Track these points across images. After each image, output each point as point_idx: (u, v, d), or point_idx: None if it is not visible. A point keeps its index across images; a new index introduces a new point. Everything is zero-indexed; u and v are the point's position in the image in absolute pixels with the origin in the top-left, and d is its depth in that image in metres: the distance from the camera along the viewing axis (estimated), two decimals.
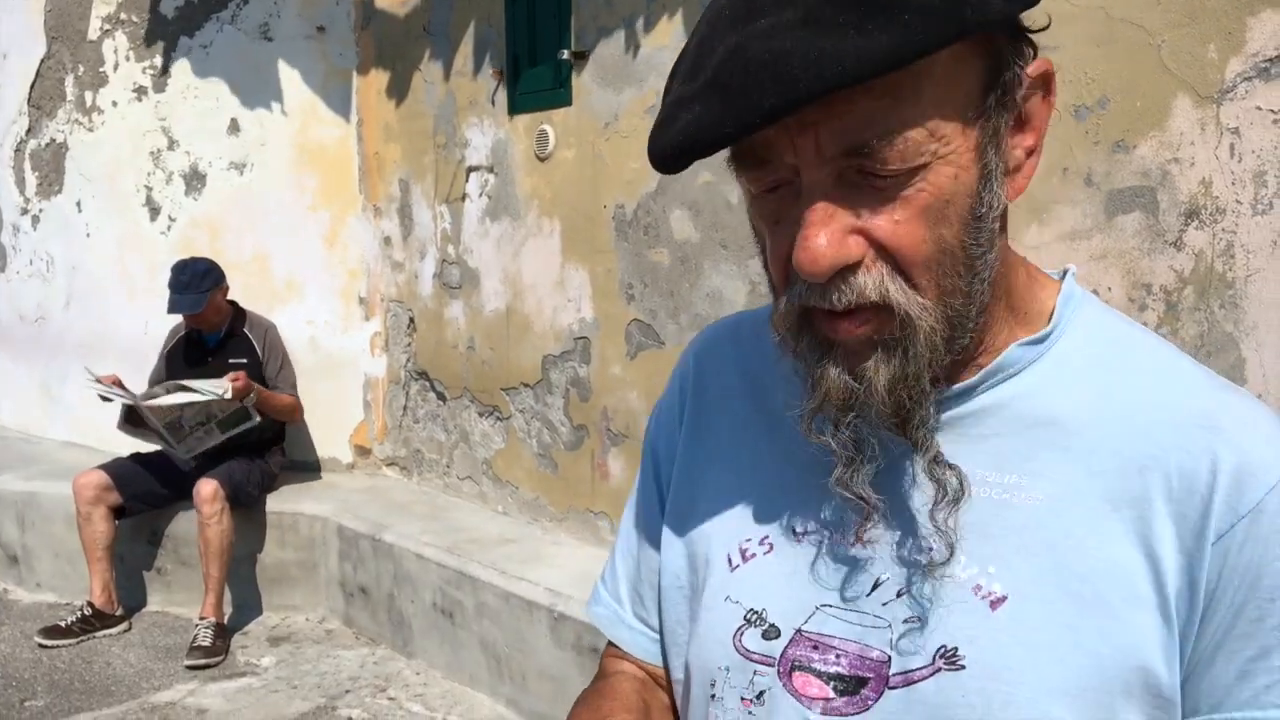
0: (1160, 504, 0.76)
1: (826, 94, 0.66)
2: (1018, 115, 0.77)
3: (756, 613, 0.86)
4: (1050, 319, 0.83)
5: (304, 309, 5.33)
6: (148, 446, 4.73)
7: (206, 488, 4.37)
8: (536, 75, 4.22)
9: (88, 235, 5.69)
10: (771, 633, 0.84)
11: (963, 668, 0.77)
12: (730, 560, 0.89)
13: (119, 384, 4.48)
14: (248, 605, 4.78)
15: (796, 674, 0.82)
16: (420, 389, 5.14)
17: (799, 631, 0.83)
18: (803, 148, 0.71)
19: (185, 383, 4.46)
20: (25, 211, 6.08)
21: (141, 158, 5.43)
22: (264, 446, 4.86)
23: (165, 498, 4.66)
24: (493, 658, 3.87)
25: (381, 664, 4.28)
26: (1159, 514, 0.76)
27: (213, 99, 5.29)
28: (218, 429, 4.56)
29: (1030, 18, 0.75)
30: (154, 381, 4.87)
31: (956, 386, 0.82)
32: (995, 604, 0.77)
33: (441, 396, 4.98)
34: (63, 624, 4.45)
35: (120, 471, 4.55)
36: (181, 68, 5.32)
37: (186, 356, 4.86)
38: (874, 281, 0.73)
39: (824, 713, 0.80)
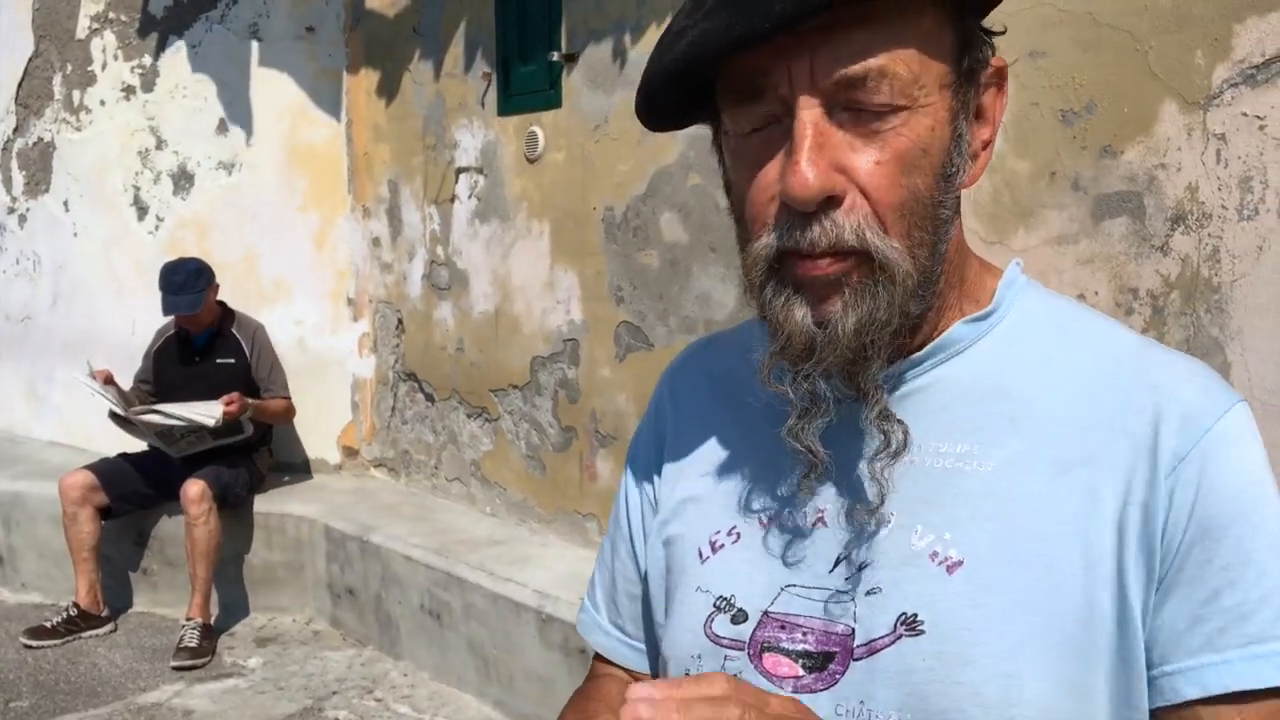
0: (1108, 462, 0.78)
1: (844, 3, 0.69)
2: (978, 106, 0.82)
3: (725, 599, 0.88)
4: (993, 300, 0.87)
5: (292, 310, 5.32)
6: (135, 446, 4.72)
7: (194, 488, 4.36)
8: (526, 77, 4.22)
9: (75, 235, 5.67)
10: (740, 617, 0.86)
11: (922, 633, 0.78)
12: (701, 554, 0.91)
13: (111, 380, 4.46)
14: (234, 606, 4.76)
15: (766, 655, 0.84)
16: (408, 390, 5.13)
17: (766, 613, 0.85)
18: (798, 73, 0.73)
19: (176, 411, 4.42)
20: (12, 211, 6.06)
21: (129, 157, 5.41)
22: (251, 447, 4.84)
23: (152, 498, 4.65)
24: (480, 659, 3.87)
25: (369, 665, 4.27)
26: (1107, 471, 0.78)
27: (201, 99, 5.28)
28: (210, 436, 4.55)
29: (990, 20, 0.82)
30: (140, 380, 4.86)
31: (905, 362, 0.84)
32: (951, 569, 0.79)
33: (430, 398, 4.98)
34: (48, 625, 4.43)
35: (107, 472, 4.53)
36: (170, 67, 5.31)
37: (175, 356, 4.84)
38: (852, 225, 0.75)
39: (795, 690, 0.82)
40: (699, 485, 0.95)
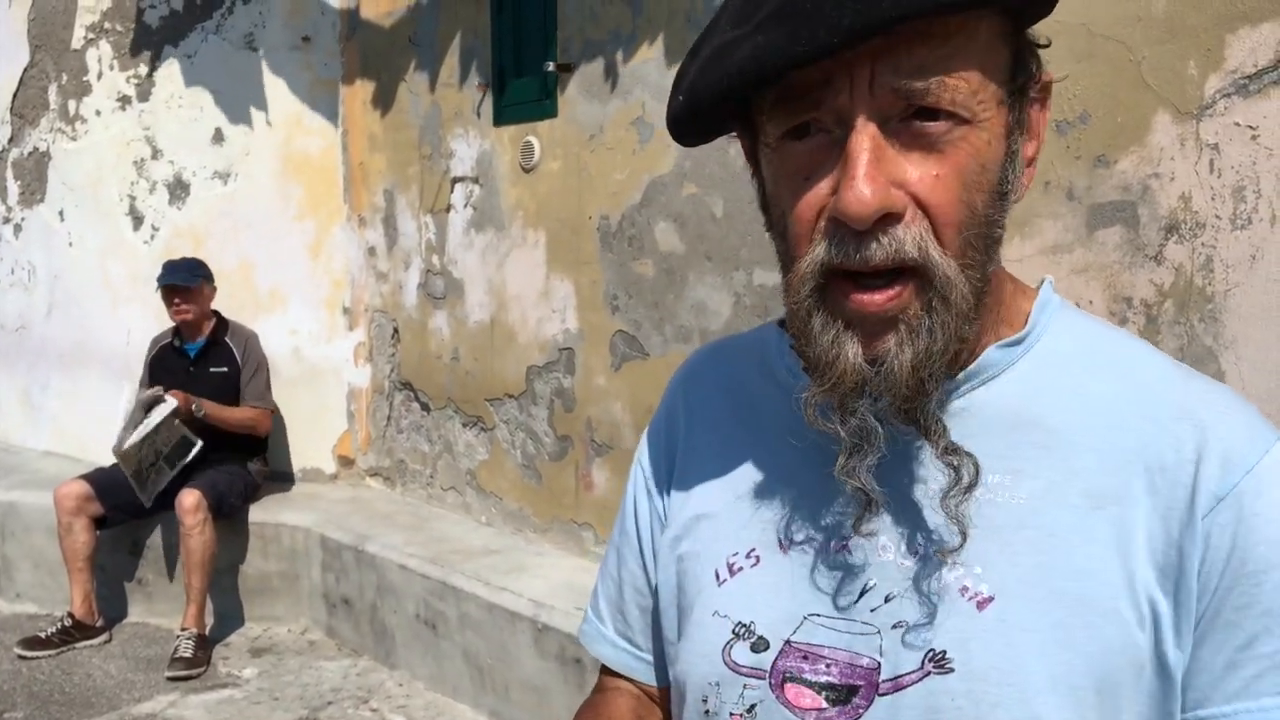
0: (1143, 498, 0.76)
1: (909, 18, 0.67)
2: (1027, 118, 0.80)
3: (745, 625, 0.85)
4: (1026, 324, 0.85)
5: (288, 319, 5.32)
6: None
7: (189, 498, 4.35)
8: (522, 87, 4.23)
9: (70, 244, 5.67)
10: (760, 645, 0.84)
11: (951, 670, 0.76)
12: (718, 575, 0.89)
13: (179, 413, 4.48)
14: (229, 616, 4.75)
15: (789, 685, 0.82)
16: (404, 399, 5.13)
17: (788, 642, 0.83)
18: (859, 84, 0.71)
19: (146, 423, 4.44)
20: (7, 220, 6.06)
21: (125, 167, 5.41)
22: (246, 456, 4.84)
23: (147, 508, 4.64)
24: (476, 669, 3.87)
25: (364, 675, 4.27)
26: (1142, 508, 0.76)
27: (197, 108, 5.28)
28: (165, 465, 4.55)
29: (1034, 33, 0.80)
30: (144, 386, 4.87)
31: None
32: (982, 604, 0.77)
33: (425, 407, 4.98)
34: (43, 635, 4.42)
35: (102, 481, 4.53)
36: (166, 77, 5.31)
37: (169, 365, 4.84)
38: (913, 238, 0.72)
39: None
40: (714, 502, 0.92)
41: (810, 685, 0.81)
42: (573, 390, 4.11)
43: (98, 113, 5.48)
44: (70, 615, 4.48)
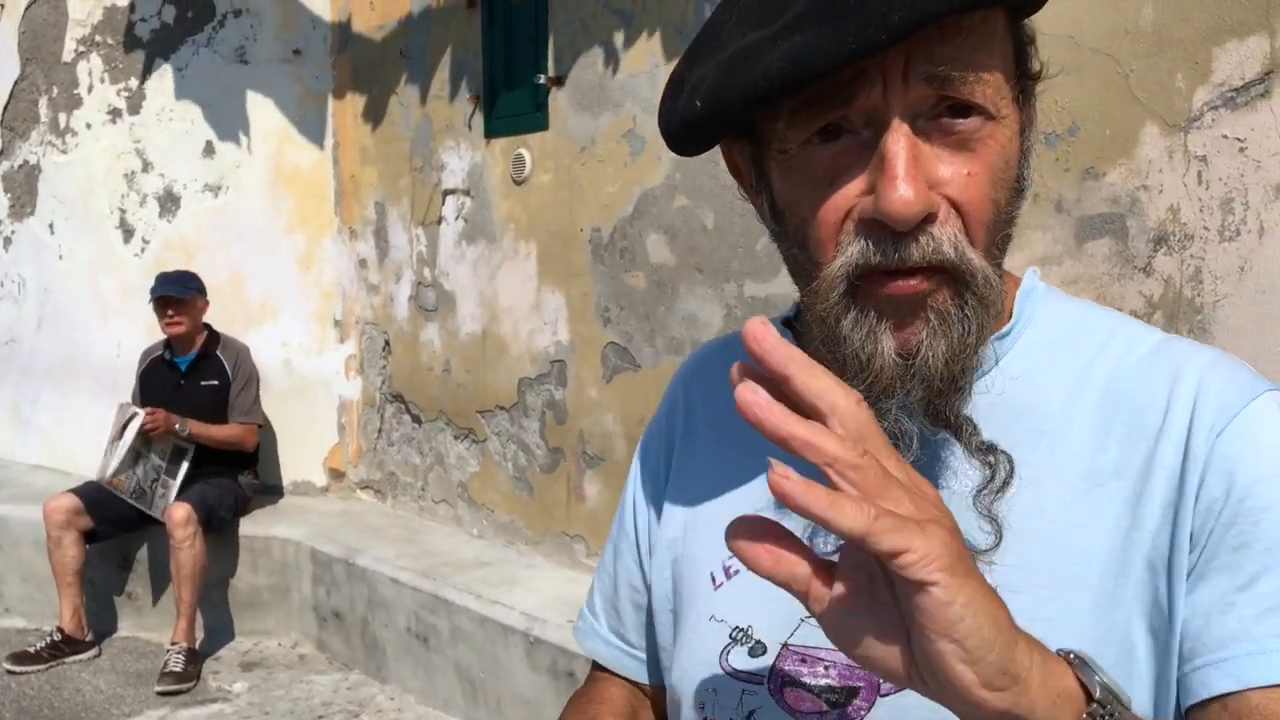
0: (1143, 469, 0.75)
1: (959, 11, 0.65)
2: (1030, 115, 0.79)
3: (742, 630, 0.84)
4: (1011, 314, 0.84)
5: (278, 331, 5.31)
6: None
7: (179, 511, 4.34)
8: (513, 99, 4.24)
9: (60, 257, 5.66)
10: (758, 650, 0.83)
11: None
12: (714, 579, 0.88)
13: (160, 428, 4.49)
14: (220, 630, 4.73)
15: (788, 690, 0.81)
16: (395, 412, 5.12)
17: (785, 646, 0.82)
18: (892, 74, 0.68)
19: (123, 442, 4.44)
20: None
21: (115, 180, 5.41)
22: (237, 470, 4.83)
23: (137, 522, 4.62)
24: (467, 682, 3.85)
25: (355, 689, 4.25)
26: (1144, 479, 0.75)
27: (188, 121, 5.28)
28: (168, 477, 4.55)
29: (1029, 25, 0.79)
30: (135, 400, 4.87)
31: None
32: None
33: (417, 419, 4.97)
34: (32, 650, 4.39)
35: (91, 495, 4.50)
36: (156, 90, 5.31)
37: (160, 379, 4.83)
38: (949, 237, 0.71)
39: None
40: (710, 503, 0.91)
41: (809, 689, 0.80)
42: (564, 402, 4.11)
43: (88, 125, 5.47)
44: (59, 630, 4.45)
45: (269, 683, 4.31)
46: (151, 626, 4.77)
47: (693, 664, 0.87)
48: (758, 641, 0.83)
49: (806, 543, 0.79)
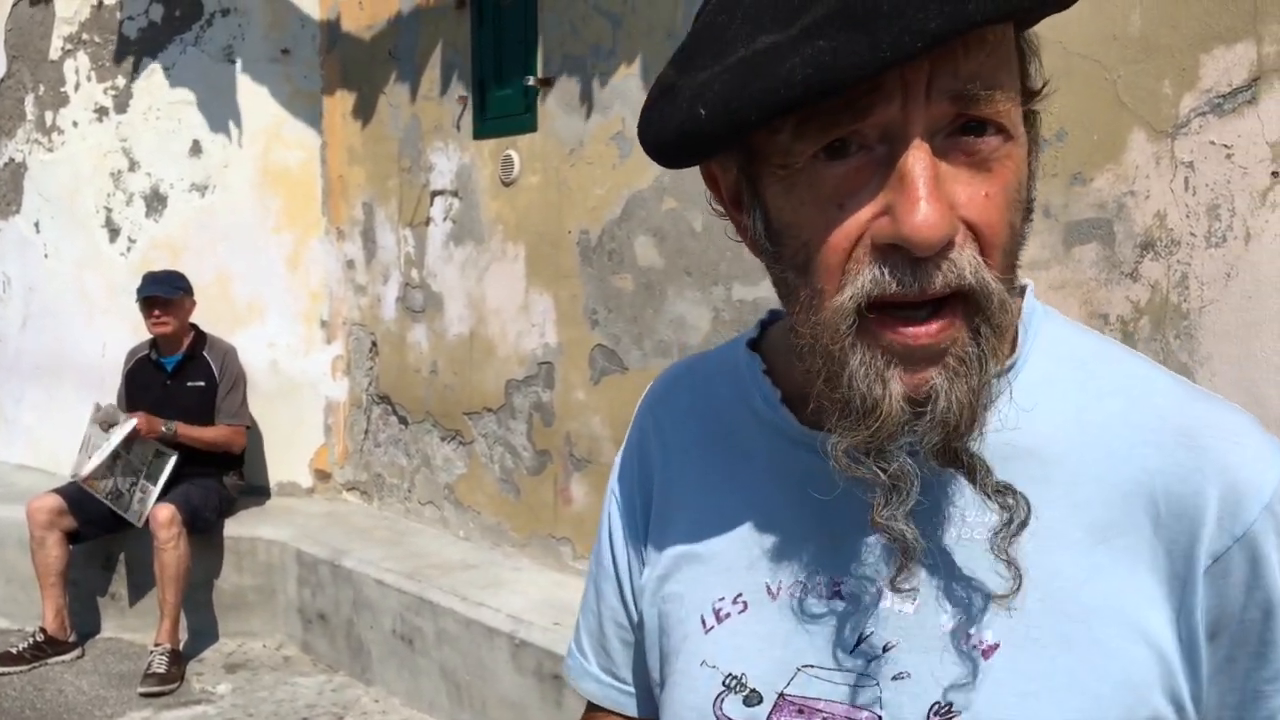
0: (1148, 532, 0.72)
1: (998, 19, 0.62)
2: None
3: (735, 677, 0.80)
4: (1013, 346, 0.78)
5: (265, 332, 5.29)
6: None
7: (163, 512, 4.32)
8: (502, 100, 4.23)
9: (46, 256, 5.63)
10: (753, 699, 0.79)
11: None
12: (704, 621, 0.84)
13: (141, 432, 4.48)
14: (204, 631, 4.71)
15: None
16: (382, 413, 5.11)
17: (782, 695, 0.78)
18: (914, 86, 0.64)
19: (105, 445, 4.42)
20: None
21: (102, 178, 5.38)
22: (221, 470, 4.81)
23: (121, 522, 4.59)
24: (453, 685, 3.84)
25: (340, 691, 4.23)
26: (1147, 543, 0.72)
27: (175, 120, 5.26)
28: (148, 482, 4.53)
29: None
30: (121, 400, 4.85)
31: None
32: (987, 653, 0.72)
33: (403, 421, 4.96)
34: (14, 650, 4.37)
35: (75, 496, 4.48)
36: (144, 89, 5.29)
37: (145, 379, 4.81)
38: (969, 261, 0.66)
39: None
40: (696, 541, 0.87)
41: None
42: (552, 404, 4.10)
43: (75, 124, 5.45)
44: (42, 630, 4.43)
45: (253, 684, 4.29)
46: (135, 627, 4.74)
47: (685, 709, 0.83)
48: (753, 690, 0.79)
49: (799, 597, 0.79)
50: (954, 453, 0.69)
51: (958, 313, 0.67)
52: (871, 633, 0.76)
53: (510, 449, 4.32)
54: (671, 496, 0.91)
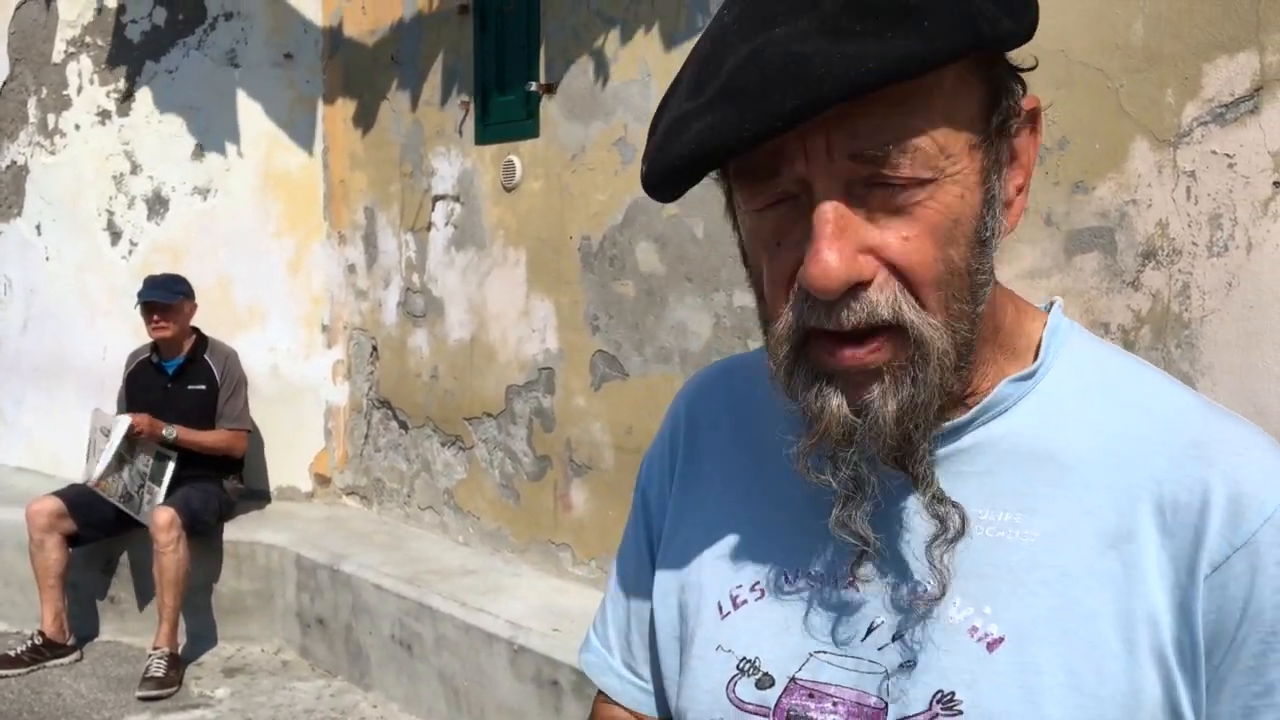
0: (1154, 538, 0.74)
1: (851, 96, 0.65)
2: (1011, 151, 0.77)
3: (749, 661, 0.83)
4: (1037, 354, 0.82)
5: (266, 336, 5.29)
6: None
7: (163, 516, 4.31)
8: (504, 106, 4.23)
9: (47, 258, 5.63)
10: (765, 682, 0.82)
11: (960, 713, 0.75)
12: (720, 608, 0.87)
13: (142, 432, 4.49)
14: (202, 635, 4.70)
15: None
16: (382, 418, 5.11)
17: (793, 680, 0.81)
18: (814, 150, 0.69)
19: (108, 448, 4.43)
20: None
21: (103, 181, 5.38)
22: (221, 474, 4.80)
23: (120, 525, 4.58)
24: (451, 690, 3.84)
25: (338, 696, 4.23)
26: (1154, 550, 0.74)
27: (177, 124, 5.26)
28: (152, 482, 4.54)
29: (1017, 56, 0.77)
30: (121, 403, 4.85)
31: (947, 424, 0.79)
32: (992, 645, 0.75)
33: (404, 425, 4.96)
34: (12, 653, 4.36)
35: (75, 498, 4.48)
36: (146, 92, 5.29)
37: (146, 382, 4.81)
38: (887, 299, 0.71)
39: None
40: (716, 530, 0.91)
41: None
42: (552, 410, 4.10)
43: (77, 127, 5.45)
44: (41, 633, 4.42)
45: (251, 689, 4.28)
46: (134, 631, 4.74)
47: (699, 693, 0.86)
48: (765, 674, 0.83)
49: (815, 586, 0.83)
50: (901, 460, 0.75)
51: (889, 339, 0.72)
52: (882, 622, 0.79)
53: (510, 454, 4.32)
54: (694, 494, 0.95)
